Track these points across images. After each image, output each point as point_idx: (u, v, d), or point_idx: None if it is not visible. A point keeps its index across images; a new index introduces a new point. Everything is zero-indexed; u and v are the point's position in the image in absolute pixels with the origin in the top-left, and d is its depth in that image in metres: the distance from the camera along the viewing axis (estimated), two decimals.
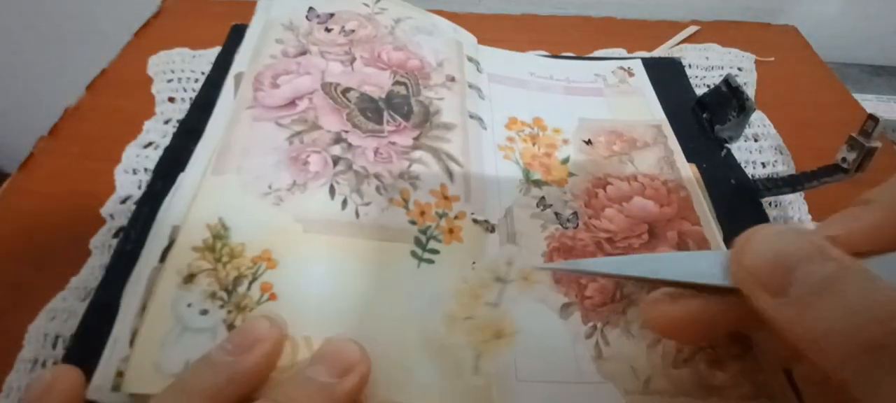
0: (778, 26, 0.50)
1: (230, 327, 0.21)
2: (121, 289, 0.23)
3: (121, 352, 0.20)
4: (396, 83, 0.33)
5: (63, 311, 0.25)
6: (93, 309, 0.24)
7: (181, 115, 0.35)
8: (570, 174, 0.32)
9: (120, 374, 0.20)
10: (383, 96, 0.32)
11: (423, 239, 0.26)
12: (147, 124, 0.34)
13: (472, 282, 0.25)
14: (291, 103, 0.30)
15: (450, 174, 0.29)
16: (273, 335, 0.20)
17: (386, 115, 0.30)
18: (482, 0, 0.52)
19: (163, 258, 0.23)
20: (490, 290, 0.25)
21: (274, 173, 0.26)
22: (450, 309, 0.24)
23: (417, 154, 0.29)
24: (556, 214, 0.30)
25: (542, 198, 0.30)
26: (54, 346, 0.24)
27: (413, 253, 0.25)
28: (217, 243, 0.23)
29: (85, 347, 0.23)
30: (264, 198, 0.25)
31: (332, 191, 0.26)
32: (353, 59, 0.33)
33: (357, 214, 0.26)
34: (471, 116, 0.33)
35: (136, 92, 0.37)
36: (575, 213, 0.30)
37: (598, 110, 0.36)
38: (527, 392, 0.23)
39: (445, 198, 0.28)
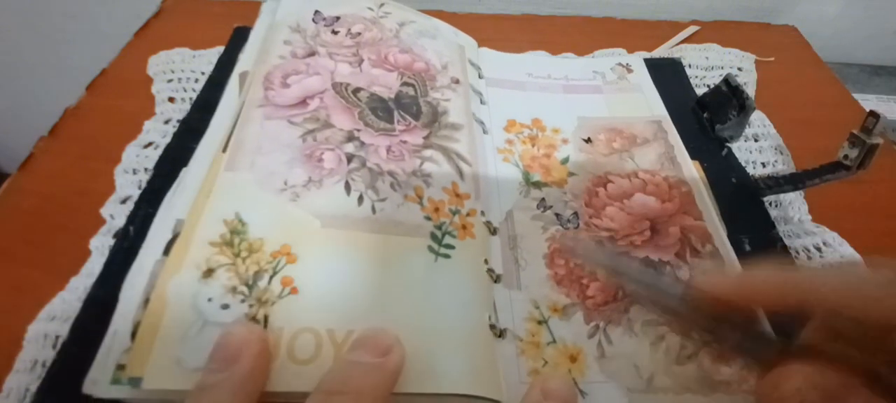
0: (778, 26, 0.50)
1: (253, 320, 0.21)
2: (119, 284, 0.23)
3: (121, 345, 0.20)
4: (404, 84, 0.33)
5: (63, 312, 0.25)
6: (90, 303, 0.24)
7: (181, 115, 0.35)
8: (570, 174, 0.32)
9: (121, 367, 0.19)
10: (393, 96, 0.32)
11: (439, 234, 0.26)
12: (147, 124, 0.34)
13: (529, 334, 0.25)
14: (302, 102, 0.30)
15: (460, 173, 0.29)
16: (254, 335, 0.20)
17: (396, 115, 0.31)
18: (482, 0, 0.52)
19: (166, 251, 0.23)
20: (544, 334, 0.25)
21: (288, 170, 0.26)
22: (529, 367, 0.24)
23: (428, 152, 0.30)
24: (557, 215, 0.30)
25: (543, 199, 0.30)
26: (54, 347, 0.24)
27: (430, 248, 0.25)
28: (235, 238, 0.23)
29: (81, 341, 0.23)
30: (280, 194, 0.25)
31: (347, 187, 0.26)
32: (361, 61, 0.34)
33: (373, 210, 0.26)
34: (474, 120, 0.33)
35: (136, 92, 0.37)
36: (575, 213, 0.30)
37: (597, 108, 0.37)
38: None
39: (457, 195, 0.28)
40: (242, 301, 0.22)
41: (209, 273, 0.22)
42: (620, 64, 0.40)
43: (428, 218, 0.26)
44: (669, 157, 0.33)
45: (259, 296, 0.22)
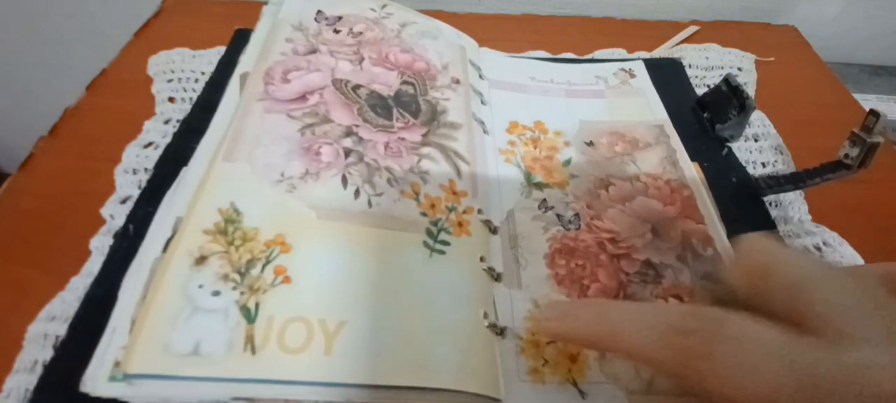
0: (778, 26, 0.50)
1: (243, 308, 0.21)
2: (117, 282, 0.23)
3: (119, 342, 0.20)
4: (404, 82, 0.33)
5: (62, 312, 0.25)
6: (88, 302, 0.24)
7: (181, 115, 0.35)
8: (572, 176, 0.32)
9: (118, 364, 0.19)
10: (392, 94, 0.32)
11: (435, 230, 0.26)
12: (147, 124, 0.34)
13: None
14: (302, 97, 0.30)
15: (457, 171, 0.29)
16: None
17: (395, 112, 0.31)
18: (482, 0, 0.52)
19: (166, 248, 0.23)
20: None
21: (286, 162, 0.27)
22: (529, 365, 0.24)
23: (426, 150, 0.30)
24: (558, 216, 0.30)
25: (544, 200, 0.30)
26: (54, 347, 0.24)
27: (425, 244, 0.26)
28: (229, 227, 0.23)
29: (80, 340, 0.23)
30: (277, 186, 0.26)
31: (344, 180, 0.27)
32: (362, 59, 0.34)
33: (370, 204, 0.26)
34: (474, 119, 0.33)
35: (136, 92, 0.37)
36: (577, 215, 0.30)
37: (600, 112, 0.37)
38: (530, 390, 0.23)
39: (454, 193, 0.28)
40: (234, 288, 0.22)
41: (201, 260, 0.22)
42: (623, 69, 0.40)
43: (424, 215, 0.27)
44: (671, 161, 0.33)
45: (250, 284, 0.22)
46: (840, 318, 0.15)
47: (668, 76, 0.40)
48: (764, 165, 0.36)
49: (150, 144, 0.33)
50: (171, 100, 0.37)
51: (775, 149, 0.37)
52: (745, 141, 0.37)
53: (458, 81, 0.35)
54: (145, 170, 0.31)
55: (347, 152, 0.28)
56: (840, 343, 0.14)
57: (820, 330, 0.15)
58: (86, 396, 0.19)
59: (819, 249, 0.30)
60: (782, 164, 0.36)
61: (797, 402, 0.14)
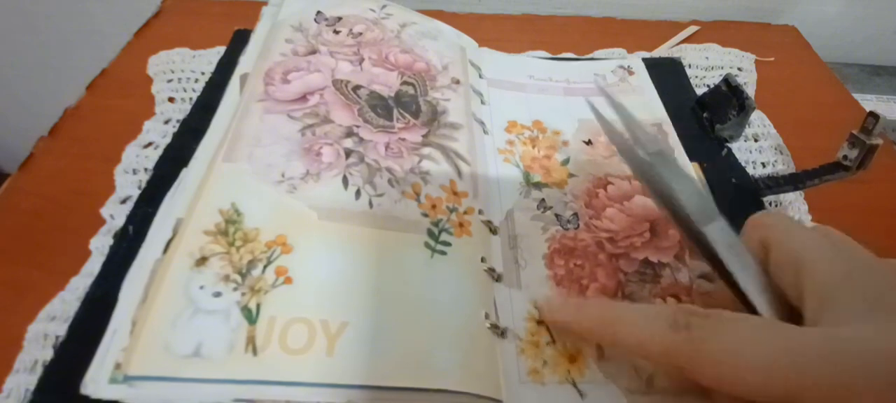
0: (778, 26, 0.50)
1: (244, 309, 0.21)
2: (118, 283, 0.23)
3: (120, 343, 0.20)
4: (404, 83, 0.33)
5: (62, 312, 0.25)
6: (88, 303, 0.24)
7: (181, 115, 0.35)
8: (571, 175, 0.32)
9: (118, 366, 0.19)
10: (393, 95, 0.32)
11: (436, 231, 0.26)
12: (147, 124, 0.34)
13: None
14: (302, 98, 0.30)
15: (458, 171, 0.30)
16: None
17: (396, 113, 0.31)
18: (482, 0, 0.52)
19: (166, 250, 0.23)
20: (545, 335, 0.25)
21: (286, 162, 0.27)
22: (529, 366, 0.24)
23: (427, 150, 0.30)
24: (557, 216, 0.30)
25: (543, 200, 0.30)
26: (54, 347, 0.24)
27: (426, 245, 0.26)
28: (230, 227, 0.23)
29: (79, 341, 0.23)
30: (278, 186, 0.26)
31: (345, 181, 0.27)
32: (362, 60, 0.34)
33: (371, 204, 0.26)
34: (474, 120, 0.33)
35: (136, 92, 0.37)
36: (575, 214, 0.30)
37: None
38: (529, 390, 0.23)
39: (455, 193, 0.28)
40: (235, 289, 0.22)
41: (202, 261, 0.22)
42: (621, 66, 0.40)
43: (425, 215, 0.27)
44: None
45: (252, 285, 0.22)
46: (835, 296, 0.16)
47: (667, 76, 0.40)
48: (764, 165, 0.36)
49: (150, 144, 0.33)
50: (171, 100, 0.37)
51: (775, 149, 0.37)
52: (745, 141, 0.37)
53: (458, 82, 0.35)
54: (145, 170, 0.31)
55: (348, 153, 0.28)
56: (832, 320, 0.15)
57: (816, 309, 0.16)
58: (86, 397, 0.19)
59: None
60: (782, 164, 0.36)
61: (790, 382, 0.14)
